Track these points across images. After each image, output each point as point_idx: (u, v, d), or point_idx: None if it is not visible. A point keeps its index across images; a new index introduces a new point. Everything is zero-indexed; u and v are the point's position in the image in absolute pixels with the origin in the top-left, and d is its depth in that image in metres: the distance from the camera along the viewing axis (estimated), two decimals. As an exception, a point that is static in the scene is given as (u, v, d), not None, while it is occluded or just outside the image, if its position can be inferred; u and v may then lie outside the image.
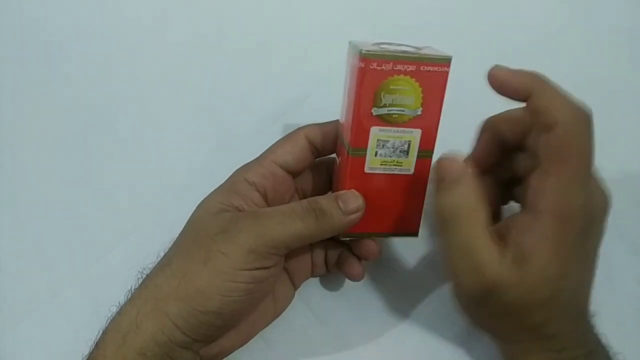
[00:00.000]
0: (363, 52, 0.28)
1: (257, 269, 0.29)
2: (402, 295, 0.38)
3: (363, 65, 0.29)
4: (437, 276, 0.39)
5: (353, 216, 0.31)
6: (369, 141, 0.30)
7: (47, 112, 0.41)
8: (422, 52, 0.30)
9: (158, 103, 0.42)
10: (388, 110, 0.30)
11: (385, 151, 0.31)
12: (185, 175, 0.40)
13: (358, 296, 0.38)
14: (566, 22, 0.46)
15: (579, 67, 0.44)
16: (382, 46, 0.30)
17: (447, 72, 0.30)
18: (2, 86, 0.42)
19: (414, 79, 0.29)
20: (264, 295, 0.32)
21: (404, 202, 0.32)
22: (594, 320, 0.31)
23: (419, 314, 0.37)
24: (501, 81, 0.29)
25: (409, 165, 0.31)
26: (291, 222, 0.30)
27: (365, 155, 0.31)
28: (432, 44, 0.46)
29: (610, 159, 0.42)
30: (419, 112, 0.30)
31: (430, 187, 0.31)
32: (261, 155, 0.34)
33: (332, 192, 0.34)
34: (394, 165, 0.31)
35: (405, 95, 0.30)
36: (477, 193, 0.28)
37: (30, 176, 0.39)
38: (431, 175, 0.31)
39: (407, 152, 0.31)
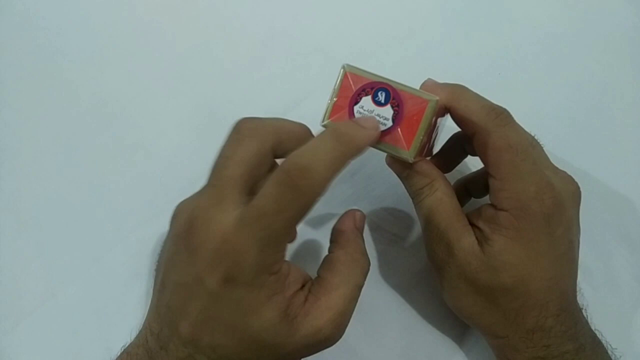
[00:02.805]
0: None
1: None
2: (403, 295, 0.38)
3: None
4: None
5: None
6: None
7: (46, 112, 0.41)
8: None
9: (158, 103, 0.42)
10: None
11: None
12: (185, 175, 0.40)
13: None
14: (566, 23, 0.46)
15: (579, 68, 0.44)
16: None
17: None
18: (2, 86, 0.42)
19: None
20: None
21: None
22: (584, 314, 0.31)
23: (419, 314, 0.37)
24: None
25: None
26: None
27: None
28: (432, 43, 0.46)
29: (610, 159, 0.42)
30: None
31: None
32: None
33: None
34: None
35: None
36: (435, 172, 0.31)
37: (30, 176, 0.39)
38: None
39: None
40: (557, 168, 0.32)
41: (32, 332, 0.35)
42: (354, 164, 0.40)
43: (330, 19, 0.46)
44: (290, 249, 0.37)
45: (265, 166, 0.29)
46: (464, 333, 0.37)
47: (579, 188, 0.32)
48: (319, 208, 0.39)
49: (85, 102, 0.42)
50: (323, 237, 0.38)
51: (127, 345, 0.28)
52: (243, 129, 0.28)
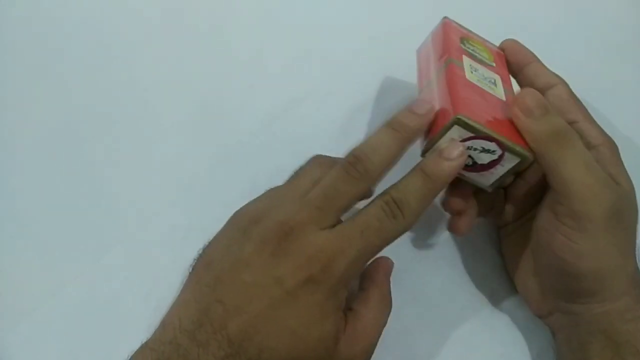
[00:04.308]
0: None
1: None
2: (404, 296, 0.38)
3: (447, 21, 0.36)
4: (442, 277, 0.39)
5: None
6: (463, 62, 0.33)
7: (47, 112, 0.41)
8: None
9: (158, 103, 0.42)
10: (472, 50, 0.34)
11: (477, 75, 0.32)
12: (185, 174, 0.40)
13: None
14: (564, 21, 0.46)
15: (577, 67, 0.44)
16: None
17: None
18: (2, 86, 0.42)
19: (483, 45, 0.36)
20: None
21: (507, 123, 0.31)
22: None
23: (420, 315, 0.37)
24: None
25: (500, 94, 0.33)
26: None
27: (462, 65, 0.32)
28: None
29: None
30: (494, 65, 0.35)
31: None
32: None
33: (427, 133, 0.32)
34: (488, 86, 0.32)
35: (481, 50, 0.35)
36: None
37: (30, 176, 0.39)
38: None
39: (495, 84, 0.33)
40: None
41: (32, 332, 0.35)
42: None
43: (330, 19, 0.46)
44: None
45: None
46: (466, 334, 0.37)
47: None
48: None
49: (86, 103, 0.42)
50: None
51: (146, 341, 0.28)
52: (359, 169, 0.29)
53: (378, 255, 0.34)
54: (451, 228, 0.36)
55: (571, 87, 0.34)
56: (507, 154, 0.30)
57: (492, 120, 0.30)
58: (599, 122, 0.34)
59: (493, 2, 0.47)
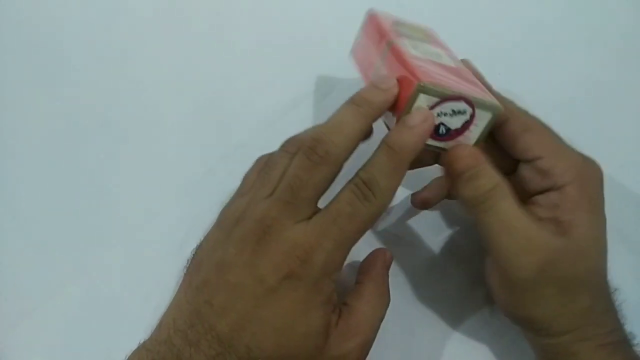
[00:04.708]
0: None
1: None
2: (404, 296, 0.38)
3: (374, 11, 0.36)
4: (442, 277, 0.39)
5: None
6: (404, 42, 0.32)
7: (47, 112, 0.41)
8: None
9: (158, 103, 0.42)
10: (407, 32, 0.34)
11: (421, 51, 0.32)
12: (186, 175, 0.40)
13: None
14: (564, 21, 0.46)
15: (580, 67, 0.44)
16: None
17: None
18: (2, 86, 0.42)
19: (415, 27, 0.36)
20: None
21: (468, 83, 0.31)
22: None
23: (420, 315, 0.37)
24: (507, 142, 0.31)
25: (449, 62, 0.33)
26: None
27: (404, 43, 0.32)
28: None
29: (609, 159, 0.42)
30: (431, 43, 0.35)
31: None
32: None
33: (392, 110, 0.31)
34: (435, 57, 0.32)
35: (415, 31, 0.35)
36: (499, 174, 0.29)
37: (31, 176, 0.39)
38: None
39: (439, 56, 0.33)
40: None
41: (32, 332, 0.35)
42: (353, 165, 0.40)
43: (331, 19, 0.46)
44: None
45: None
46: (466, 333, 0.37)
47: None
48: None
49: (87, 103, 0.42)
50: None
51: (143, 342, 0.28)
52: (318, 153, 0.28)
53: (377, 247, 0.34)
54: (414, 200, 0.37)
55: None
56: (477, 111, 0.29)
57: (453, 82, 0.30)
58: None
59: (493, 2, 0.47)
